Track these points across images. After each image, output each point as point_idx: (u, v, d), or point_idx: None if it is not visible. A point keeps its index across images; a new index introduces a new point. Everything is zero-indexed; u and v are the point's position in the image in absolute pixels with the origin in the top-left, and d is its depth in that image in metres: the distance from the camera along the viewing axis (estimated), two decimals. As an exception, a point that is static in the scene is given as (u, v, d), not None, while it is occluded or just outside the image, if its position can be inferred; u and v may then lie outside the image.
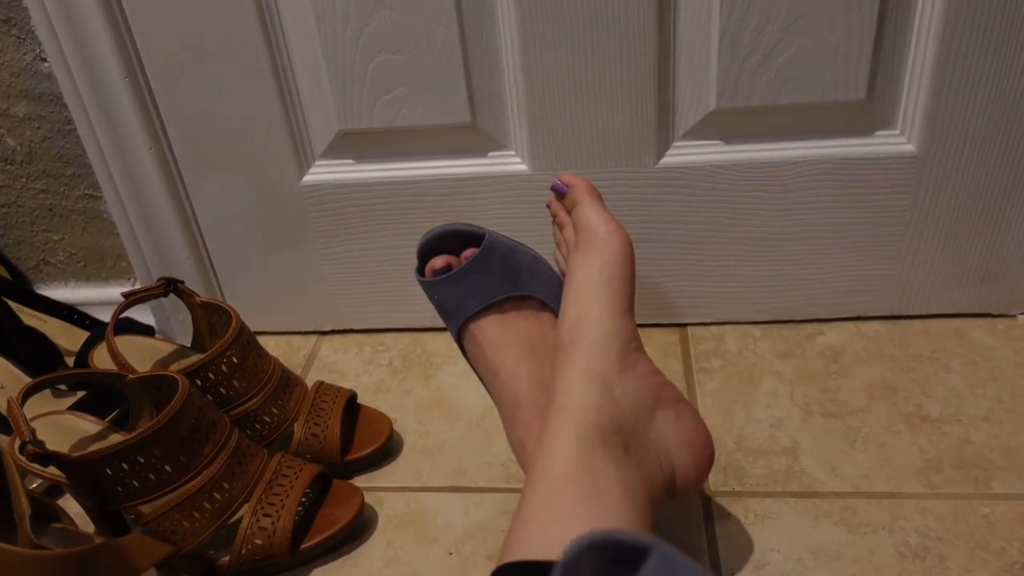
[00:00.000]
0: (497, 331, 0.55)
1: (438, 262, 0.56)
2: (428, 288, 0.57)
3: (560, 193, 0.55)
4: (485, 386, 0.57)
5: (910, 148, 0.69)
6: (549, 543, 0.39)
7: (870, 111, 0.69)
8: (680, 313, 0.80)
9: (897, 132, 0.69)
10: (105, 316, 0.78)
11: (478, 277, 0.55)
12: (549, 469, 0.43)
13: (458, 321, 0.56)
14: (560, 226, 0.57)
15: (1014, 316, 0.77)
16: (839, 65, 0.66)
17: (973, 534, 0.57)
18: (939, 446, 0.65)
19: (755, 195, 0.73)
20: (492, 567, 0.60)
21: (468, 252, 0.56)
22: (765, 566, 0.57)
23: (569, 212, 0.55)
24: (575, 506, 0.41)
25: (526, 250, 0.57)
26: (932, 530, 0.58)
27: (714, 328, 0.80)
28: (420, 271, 0.57)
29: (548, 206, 0.58)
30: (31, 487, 0.65)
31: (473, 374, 0.78)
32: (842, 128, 0.70)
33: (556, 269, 0.59)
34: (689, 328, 0.80)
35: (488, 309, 0.55)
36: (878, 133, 0.70)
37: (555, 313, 0.56)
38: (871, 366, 0.73)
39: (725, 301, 0.79)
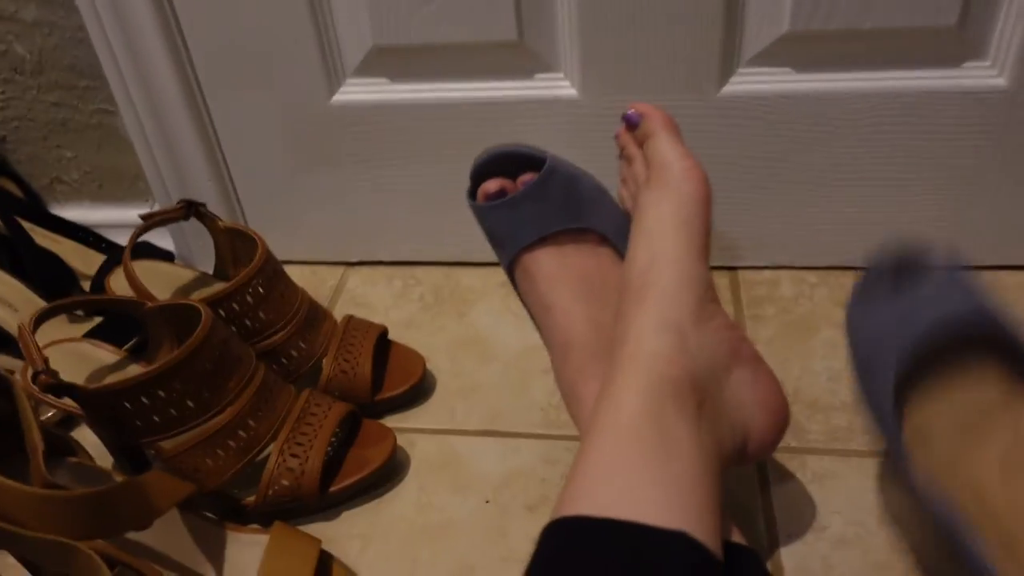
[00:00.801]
0: (553, 265, 0.50)
1: (492, 185, 0.51)
2: (480, 213, 0.52)
3: (632, 124, 0.49)
4: (535, 323, 0.53)
5: (1000, 82, 0.63)
6: (611, 500, 0.36)
7: (960, 40, 0.62)
8: (732, 255, 0.75)
9: (988, 64, 0.63)
10: (122, 239, 0.74)
11: (536, 205, 0.50)
12: (615, 421, 0.39)
13: (511, 252, 0.51)
14: (628, 160, 0.51)
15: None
16: (931, -15, 0.59)
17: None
18: None
19: (823, 130, 0.67)
20: (532, 518, 0.57)
21: (526, 177, 0.51)
22: (825, 529, 0.53)
23: (640, 145, 0.50)
24: (641, 463, 0.37)
25: (589, 179, 0.52)
26: (1004, 496, 0.54)
27: (767, 273, 0.75)
28: (472, 194, 0.52)
29: (616, 137, 0.53)
30: (44, 417, 0.62)
31: (509, 312, 0.74)
32: (926, 58, 0.63)
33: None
34: (740, 272, 0.75)
35: (544, 240, 0.50)
36: (966, 64, 0.63)
37: (616, 250, 0.51)
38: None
39: (782, 244, 0.74)
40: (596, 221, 0.51)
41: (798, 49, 0.64)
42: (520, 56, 0.67)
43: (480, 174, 0.52)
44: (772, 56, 0.64)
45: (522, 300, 0.54)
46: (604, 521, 0.35)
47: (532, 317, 0.53)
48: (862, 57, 0.64)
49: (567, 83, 0.68)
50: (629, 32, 0.64)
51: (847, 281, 0.73)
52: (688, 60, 0.64)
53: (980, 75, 0.63)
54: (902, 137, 0.66)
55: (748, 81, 0.66)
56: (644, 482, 0.37)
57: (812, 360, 0.66)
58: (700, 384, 0.41)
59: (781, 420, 0.46)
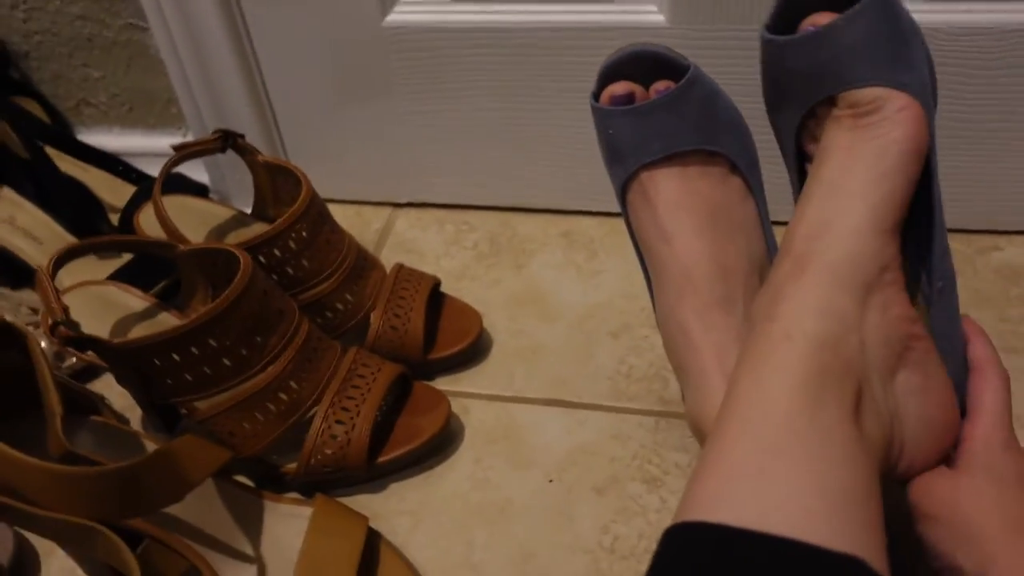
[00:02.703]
0: (677, 189, 0.43)
1: (621, 88, 0.43)
2: (603, 117, 0.44)
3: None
4: (642, 253, 0.46)
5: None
6: (765, 509, 0.29)
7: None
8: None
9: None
10: (153, 169, 0.68)
11: (668, 117, 0.42)
12: (767, 413, 0.32)
13: (631, 166, 0.43)
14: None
15: None
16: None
17: None
18: None
19: (950, 69, 0.58)
20: (601, 501, 0.51)
21: (659, 85, 0.43)
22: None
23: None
24: (799, 470, 0.30)
25: (728, 100, 0.44)
26: None
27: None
28: (596, 95, 0.45)
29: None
30: (66, 364, 0.57)
31: (572, 266, 0.67)
32: (1084, -12, 0.54)
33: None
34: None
35: (670, 159, 0.43)
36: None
37: (747, 183, 0.44)
38: (1061, 293, 0.60)
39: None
40: (731, 147, 0.44)
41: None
42: (602, -25, 0.59)
43: (609, 74, 0.44)
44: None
45: (631, 226, 0.46)
46: (758, 536, 0.28)
47: (640, 246, 0.46)
48: (1005, -14, 0.54)
49: (654, 7, 0.59)
50: (732, -51, 0.55)
51: (958, 247, 0.64)
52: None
53: None
54: (1043, 82, 0.57)
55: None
56: (806, 490, 0.30)
57: (917, 335, 0.58)
58: (863, 381, 0.34)
59: (945, 443, 0.39)
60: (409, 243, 0.71)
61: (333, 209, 0.62)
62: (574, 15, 0.60)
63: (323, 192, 0.69)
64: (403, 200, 0.75)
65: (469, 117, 0.67)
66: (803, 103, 0.40)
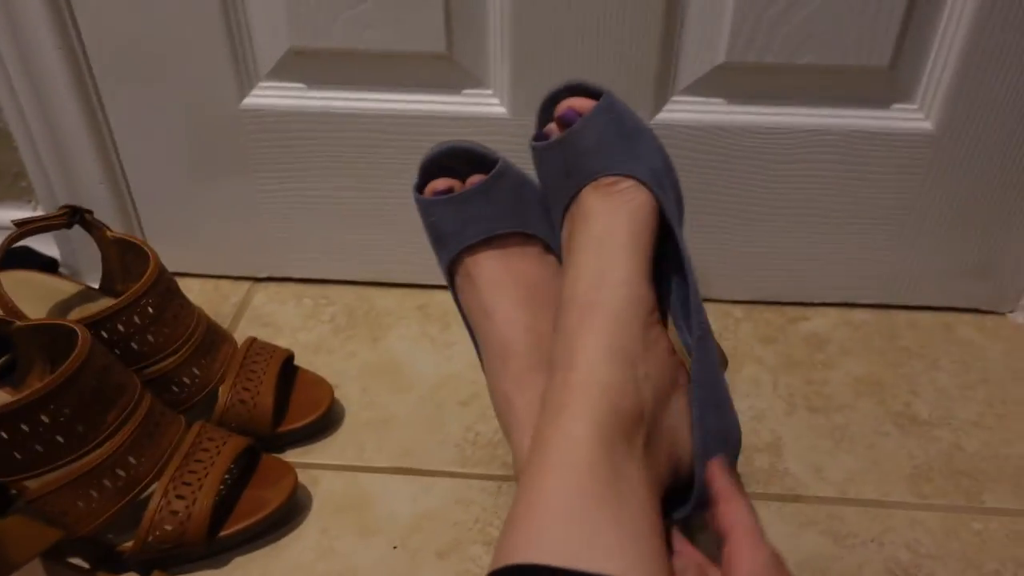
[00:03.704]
0: (496, 268, 0.47)
1: (441, 184, 0.48)
2: (426, 207, 0.48)
3: (568, 122, 0.46)
4: (471, 329, 0.50)
5: (927, 126, 0.63)
6: (570, 548, 0.33)
7: (890, 81, 0.62)
8: (657, 286, 0.73)
9: (915, 107, 0.63)
10: (0, 241, 0.67)
11: (484, 205, 0.47)
12: (569, 457, 0.36)
13: (453, 249, 0.47)
14: None
15: (1003, 314, 0.73)
16: (865, 26, 0.59)
17: (966, 552, 0.53)
18: (929, 452, 0.60)
19: (753, 162, 0.66)
20: (442, 565, 0.53)
21: (476, 177, 0.48)
22: (747, 579, 0.51)
23: None
24: (600, 508, 0.34)
25: (536, 186, 0.50)
26: (923, 545, 0.54)
27: (693, 305, 0.73)
28: (419, 188, 0.49)
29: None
30: None
31: (426, 338, 0.70)
32: (857, 97, 0.63)
33: None
34: (666, 303, 0.73)
35: (489, 242, 0.47)
36: (895, 106, 0.63)
37: (559, 259, 0.49)
38: (858, 358, 0.68)
39: (707, 276, 0.72)
40: (543, 228, 0.49)
41: (733, 81, 0.62)
42: (448, 69, 0.63)
43: (429, 167, 0.49)
44: (707, 86, 0.63)
45: (459, 303, 0.50)
46: (571, 573, 0.32)
47: (468, 321, 0.50)
48: (795, 93, 0.63)
49: (496, 100, 0.65)
50: (563, 51, 0.61)
51: (772, 317, 0.72)
52: (623, 84, 0.62)
53: (908, 117, 0.63)
54: (828, 175, 0.66)
55: (682, 110, 0.64)
56: (604, 528, 0.34)
57: (736, 397, 0.64)
58: (647, 416, 0.39)
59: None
60: (266, 317, 0.72)
61: (192, 282, 0.63)
62: (423, 104, 0.65)
63: (181, 266, 0.70)
64: (262, 274, 0.76)
65: (326, 196, 0.70)
66: (565, 196, 0.46)
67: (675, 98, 0.64)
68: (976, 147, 0.63)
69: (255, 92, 0.66)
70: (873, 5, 0.58)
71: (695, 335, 0.43)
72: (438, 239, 0.49)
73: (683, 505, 0.42)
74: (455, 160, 0.49)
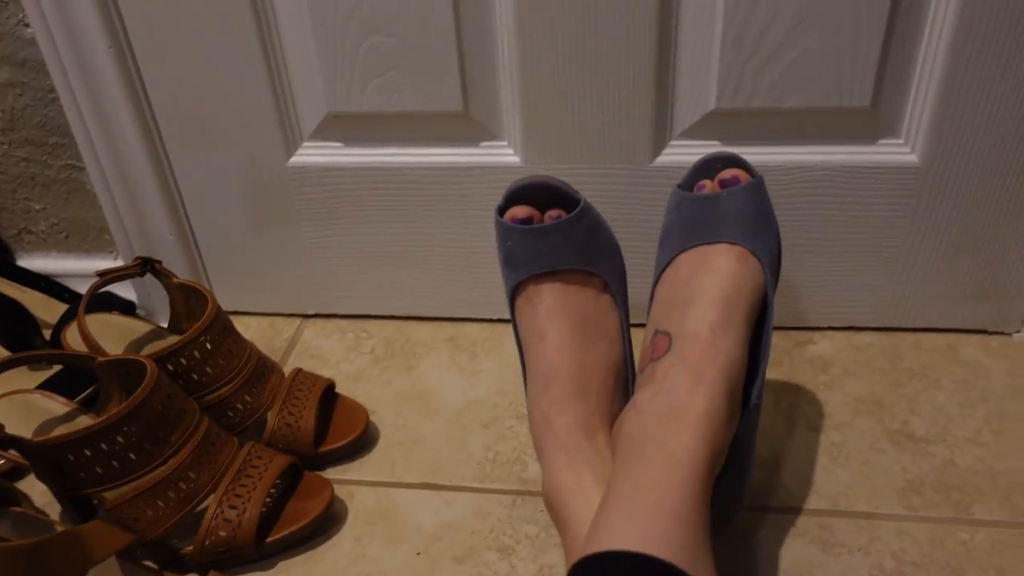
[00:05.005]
0: (556, 298, 0.53)
1: (522, 212, 0.54)
2: (505, 232, 0.54)
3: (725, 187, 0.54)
4: (521, 350, 0.56)
5: (913, 159, 0.67)
6: (685, 555, 0.40)
7: (874, 119, 0.66)
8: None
9: (901, 142, 0.67)
10: (85, 289, 0.77)
11: (559, 240, 0.53)
12: (693, 472, 0.43)
13: (522, 275, 0.53)
14: None
15: (1009, 334, 0.75)
16: (844, 70, 0.63)
17: (950, 561, 0.56)
18: (922, 467, 0.63)
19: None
20: (458, 569, 0.59)
21: (554, 212, 0.54)
22: (736, 584, 0.56)
23: None
24: (704, 527, 0.43)
25: (610, 231, 0.57)
26: (908, 554, 0.57)
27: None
28: (500, 211, 0.55)
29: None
30: (-4, 466, 0.64)
31: (455, 366, 0.77)
32: (844, 135, 0.67)
33: None
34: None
35: (554, 274, 0.53)
36: (881, 142, 0.68)
37: (614, 299, 0.55)
38: (860, 379, 0.72)
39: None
40: (607, 269, 0.55)
41: (725, 124, 0.68)
42: (466, 126, 0.71)
43: (515, 195, 0.54)
44: (701, 130, 0.69)
45: (516, 324, 0.56)
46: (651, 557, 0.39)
47: (520, 342, 0.55)
48: (785, 133, 0.68)
49: (510, 151, 0.72)
50: (567, 106, 0.68)
51: (779, 342, 0.76)
52: (624, 132, 0.68)
53: (894, 152, 0.67)
54: (823, 208, 0.70)
55: (680, 152, 0.70)
56: (704, 541, 0.42)
57: (739, 418, 0.69)
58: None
59: None
60: (314, 349, 0.81)
61: (249, 320, 0.71)
62: (445, 157, 0.72)
63: (241, 306, 0.79)
64: (311, 312, 0.85)
65: (365, 240, 0.78)
66: (683, 242, 0.54)
67: (673, 142, 0.70)
68: (963, 176, 0.67)
69: (299, 152, 0.75)
70: (849, 51, 0.62)
71: (753, 401, 0.50)
72: (509, 262, 0.54)
73: None
74: (538, 192, 0.54)
